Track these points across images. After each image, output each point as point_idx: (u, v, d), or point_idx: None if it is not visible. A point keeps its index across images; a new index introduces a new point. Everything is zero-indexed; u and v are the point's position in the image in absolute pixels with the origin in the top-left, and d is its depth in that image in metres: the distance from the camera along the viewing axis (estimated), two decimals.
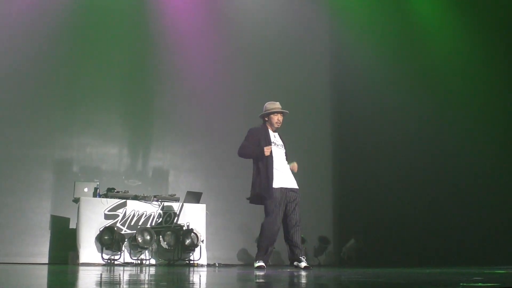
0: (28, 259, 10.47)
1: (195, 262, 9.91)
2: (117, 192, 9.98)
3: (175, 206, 10.17)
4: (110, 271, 6.84)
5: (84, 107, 11.75)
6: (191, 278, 5.57)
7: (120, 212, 9.75)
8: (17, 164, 11.03)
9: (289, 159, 8.16)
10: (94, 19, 11.96)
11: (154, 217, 9.95)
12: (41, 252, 10.56)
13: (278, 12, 13.49)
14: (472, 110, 11.07)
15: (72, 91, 11.73)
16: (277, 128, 8.01)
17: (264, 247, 7.79)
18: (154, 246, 9.77)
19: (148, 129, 12.19)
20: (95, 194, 9.85)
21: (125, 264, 9.41)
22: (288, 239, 7.80)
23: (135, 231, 9.62)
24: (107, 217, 9.65)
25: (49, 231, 10.77)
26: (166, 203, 10.13)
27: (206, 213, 10.39)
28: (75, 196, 9.87)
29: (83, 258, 9.30)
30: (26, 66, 11.31)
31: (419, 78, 11.89)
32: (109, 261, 9.37)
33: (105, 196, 9.87)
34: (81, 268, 8.19)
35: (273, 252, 8.39)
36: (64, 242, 10.44)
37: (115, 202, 9.78)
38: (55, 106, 11.54)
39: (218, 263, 10.57)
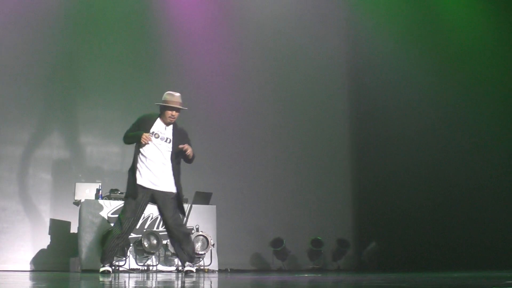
0: (27, 266, 10.54)
1: (205, 268, 9.94)
2: (121, 193, 10.00)
3: (184, 207, 10.16)
4: (114, 278, 6.88)
5: (84, 104, 11.80)
6: (201, 285, 5.60)
7: None
8: (13, 166, 11.09)
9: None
10: (95, 15, 12.00)
11: (161, 220, 9.97)
12: (41, 259, 10.63)
13: (292, 2, 13.47)
14: (499, 103, 11.01)
15: (70, 88, 11.77)
16: (170, 122, 7.78)
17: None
18: (161, 251, 9.80)
19: None
20: (97, 196, 9.89)
21: (131, 270, 9.44)
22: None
23: (140, 235, 9.64)
24: (110, 220, 9.69)
25: (49, 236, 10.82)
26: None
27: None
28: (76, 199, 9.92)
29: (85, 265, 9.34)
30: (21, 63, 11.36)
31: (442, 69, 11.83)
32: (113, 267, 9.39)
33: (108, 197, 9.91)
34: (83, 275, 8.24)
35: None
36: (65, 247, 10.50)
37: (118, 204, 9.81)
38: (52, 103, 11.59)
39: (230, 269, 10.60)
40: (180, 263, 7.87)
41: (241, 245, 11.98)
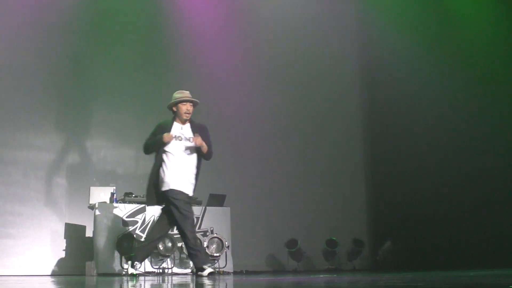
0: (43, 270, 10.57)
1: (220, 270, 9.95)
2: (135, 196, 10.04)
3: (197, 210, 10.19)
4: (130, 282, 6.89)
5: (98, 108, 11.84)
6: None
7: (139, 218, 9.81)
8: (28, 171, 11.14)
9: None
10: (109, 18, 12.04)
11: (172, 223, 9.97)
12: (57, 263, 10.67)
13: (304, 2, 13.45)
14: None
15: (84, 91, 11.82)
16: (186, 119, 7.78)
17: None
18: (176, 253, 9.82)
19: None
20: (111, 200, 9.92)
21: (146, 273, 9.46)
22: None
23: None
24: (125, 223, 9.72)
25: (64, 240, 10.86)
26: None
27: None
28: (90, 203, 9.95)
29: (101, 268, 9.38)
30: (35, 67, 11.41)
31: (454, 65, 11.77)
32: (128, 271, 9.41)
33: (123, 201, 9.94)
34: (99, 278, 8.27)
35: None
36: (81, 251, 10.54)
37: (133, 207, 9.85)
38: (66, 107, 11.63)
39: (245, 271, 10.60)
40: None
41: (256, 246, 11.98)
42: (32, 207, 10.98)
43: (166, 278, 8.11)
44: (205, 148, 7.68)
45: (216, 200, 10.38)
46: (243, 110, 12.61)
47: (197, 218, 10.11)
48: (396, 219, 12.39)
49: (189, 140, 7.69)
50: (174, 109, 7.83)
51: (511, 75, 11.02)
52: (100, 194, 9.97)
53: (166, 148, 7.65)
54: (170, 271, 9.74)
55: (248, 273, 10.28)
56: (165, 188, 7.62)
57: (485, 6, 11.67)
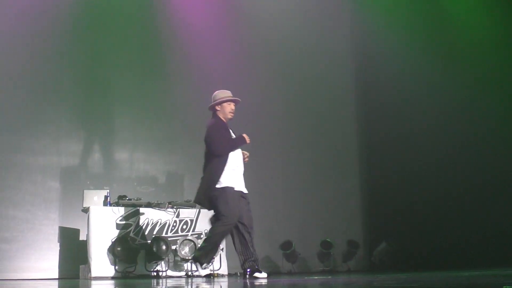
0: (37, 274, 10.55)
1: (215, 272, 9.94)
2: (129, 199, 10.03)
3: (192, 212, 10.20)
4: (124, 285, 6.89)
5: (92, 111, 11.80)
6: None
7: (133, 221, 9.81)
8: (21, 174, 11.11)
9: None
10: (99, 17, 11.98)
11: (169, 225, 9.99)
12: (51, 267, 10.64)
13: (298, 1, 13.44)
14: (507, 99, 10.98)
15: (77, 94, 11.79)
16: (230, 119, 7.86)
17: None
18: (171, 256, 9.81)
19: (160, 131, 12.21)
20: (105, 203, 9.90)
21: (141, 276, 9.45)
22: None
23: (149, 241, 9.66)
24: (119, 226, 9.71)
25: (58, 243, 10.84)
26: (181, 210, 10.16)
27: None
28: (84, 206, 9.94)
29: (95, 272, 9.36)
30: (26, 68, 11.37)
31: (449, 66, 11.80)
32: (123, 274, 9.42)
33: (116, 204, 9.92)
34: (93, 282, 8.27)
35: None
36: (74, 255, 10.52)
37: (127, 210, 9.84)
38: (59, 110, 11.59)
39: (239, 273, 10.59)
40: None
41: None
42: (26, 211, 10.95)
43: (160, 281, 8.10)
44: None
45: None
46: (237, 110, 12.58)
47: (191, 220, 10.11)
48: (391, 220, 12.40)
49: None
50: (217, 108, 7.83)
51: (505, 74, 11.05)
52: (94, 198, 9.95)
53: None
54: (164, 274, 9.73)
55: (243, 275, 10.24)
56: (221, 185, 7.57)
57: (478, 5, 11.70)
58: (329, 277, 8.09)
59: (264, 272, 7.53)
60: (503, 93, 11.07)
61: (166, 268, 9.79)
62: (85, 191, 10.08)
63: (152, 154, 12.06)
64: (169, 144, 12.22)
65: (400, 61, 12.41)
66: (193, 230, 10.08)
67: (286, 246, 11.43)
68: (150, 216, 9.92)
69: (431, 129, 11.99)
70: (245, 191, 7.74)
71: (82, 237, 10.54)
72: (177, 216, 10.07)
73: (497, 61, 11.23)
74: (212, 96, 7.91)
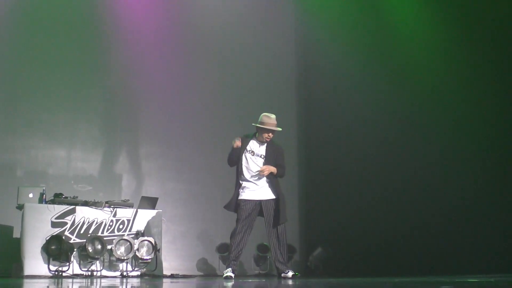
0: None
1: (150, 273, 9.98)
2: (65, 197, 10.00)
3: (129, 212, 10.21)
4: (57, 284, 6.91)
5: (28, 106, 11.70)
6: None
7: (69, 219, 9.77)
8: None
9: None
10: (41, 11, 11.91)
11: (105, 224, 9.99)
12: None
13: (240, 6, 13.52)
14: (451, 109, 11.24)
15: (14, 88, 11.68)
16: (265, 141, 8.62)
17: (229, 256, 8.50)
18: (106, 256, 9.81)
19: (99, 130, 12.19)
20: (41, 200, 9.84)
21: (74, 276, 9.42)
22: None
23: (85, 240, 9.64)
24: (54, 225, 9.66)
25: None
26: (118, 210, 10.16)
27: (163, 220, 10.48)
28: (19, 203, 9.85)
29: (28, 270, 9.30)
30: None
31: (390, 74, 12.01)
32: (56, 273, 9.39)
33: (52, 202, 9.87)
34: (26, 281, 8.24)
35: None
36: (7, 252, 10.39)
37: (63, 208, 9.79)
38: None
39: (175, 274, 10.66)
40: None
41: (188, 250, 12.05)
42: None
43: (94, 281, 8.13)
44: (274, 171, 8.53)
45: (148, 203, 10.42)
46: (177, 113, 12.64)
47: (128, 220, 10.13)
48: (329, 224, 12.57)
49: (260, 156, 8.58)
50: (258, 130, 8.62)
51: (445, 84, 11.33)
52: (29, 195, 9.87)
53: (243, 162, 8.55)
54: (99, 273, 9.73)
55: (179, 276, 10.33)
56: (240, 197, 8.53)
57: (423, 18, 11.95)
58: (263, 280, 8.24)
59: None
60: (440, 100, 11.35)
61: (101, 268, 9.78)
62: (20, 188, 9.99)
63: (89, 153, 12.02)
64: (107, 143, 12.19)
65: (341, 68, 12.60)
66: (130, 230, 10.09)
67: (223, 248, 11.53)
68: (86, 215, 9.91)
69: (370, 134, 12.18)
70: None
71: (16, 234, 10.44)
72: (114, 215, 10.07)
73: (437, 71, 11.49)
74: (260, 115, 8.71)
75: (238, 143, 8.48)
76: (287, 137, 13.44)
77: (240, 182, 8.55)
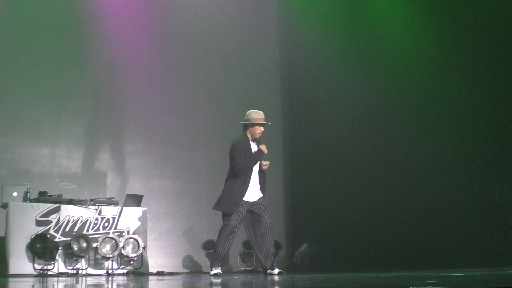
0: None
1: (136, 271, 9.99)
2: (50, 196, 9.99)
3: (114, 210, 10.21)
4: (43, 283, 6.91)
5: (11, 104, 11.65)
6: None
7: (53, 218, 9.76)
8: None
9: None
10: (25, 9, 11.85)
11: (90, 222, 9.98)
12: None
13: (224, 3, 13.50)
14: (439, 107, 11.33)
15: None
16: (258, 138, 8.59)
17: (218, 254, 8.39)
18: (91, 254, 9.81)
19: (83, 128, 12.16)
20: (25, 199, 9.82)
21: (60, 274, 9.43)
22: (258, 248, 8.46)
23: (70, 238, 9.63)
24: (39, 223, 9.65)
25: None
26: (103, 208, 10.17)
27: (148, 218, 10.48)
28: (3, 201, 9.82)
29: (12, 269, 9.29)
30: None
31: (375, 72, 12.06)
32: (41, 271, 9.38)
33: (37, 200, 9.86)
34: (10, 280, 8.23)
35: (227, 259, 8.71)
36: None
37: (47, 207, 9.78)
38: None
39: (161, 272, 10.67)
40: (263, 267, 8.45)
41: (173, 247, 12.06)
42: None
43: (80, 279, 8.13)
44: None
45: (133, 200, 10.42)
46: (161, 111, 12.62)
47: (113, 218, 10.13)
48: (315, 220, 12.64)
49: None
50: (250, 127, 8.56)
51: (429, 80, 11.41)
52: (13, 193, 9.85)
53: None
54: (84, 271, 9.73)
55: (165, 274, 10.34)
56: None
57: (406, 7, 12.01)
58: (249, 276, 8.27)
59: None
60: (424, 97, 11.43)
61: (87, 266, 9.79)
62: (4, 186, 9.97)
63: (74, 151, 11.99)
64: (91, 141, 12.17)
65: (326, 66, 12.67)
66: (115, 228, 10.10)
67: (209, 245, 11.54)
68: (71, 213, 9.90)
69: (354, 131, 12.24)
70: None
71: (0, 233, 10.41)
72: (99, 213, 10.07)
73: (422, 68, 11.57)
74: (246, 113, 8.69)
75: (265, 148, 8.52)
76: (273, 134, 13.49)
77: (243, 183, 8.42)
